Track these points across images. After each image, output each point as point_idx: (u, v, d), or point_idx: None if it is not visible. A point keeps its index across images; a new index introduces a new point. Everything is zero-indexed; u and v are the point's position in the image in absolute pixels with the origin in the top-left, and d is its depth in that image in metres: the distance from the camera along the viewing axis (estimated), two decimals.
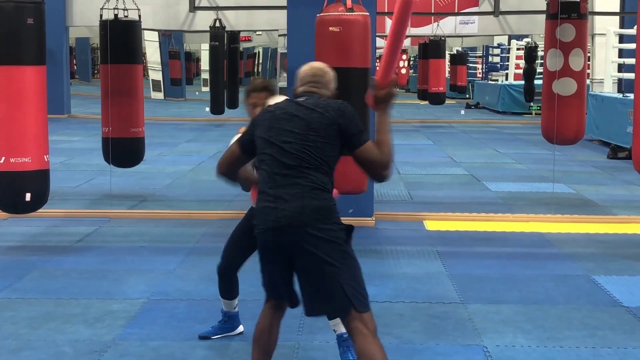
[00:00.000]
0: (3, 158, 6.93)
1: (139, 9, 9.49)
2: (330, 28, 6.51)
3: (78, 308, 5.67)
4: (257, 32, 30.90)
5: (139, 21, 9.68)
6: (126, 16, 9.49)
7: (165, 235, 8.04)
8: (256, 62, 42.93)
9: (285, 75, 14.10)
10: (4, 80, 6.93)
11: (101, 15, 9.44)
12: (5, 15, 6.84)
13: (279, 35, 21.22)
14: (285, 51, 10.92)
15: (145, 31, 23.69)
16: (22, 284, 6.28)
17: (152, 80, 30.71)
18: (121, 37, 9.41)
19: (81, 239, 7.79)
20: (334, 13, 6.54)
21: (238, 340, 5.05)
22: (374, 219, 8.50)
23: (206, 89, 28.30)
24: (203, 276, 6.49)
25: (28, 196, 7.04)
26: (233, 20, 18.89)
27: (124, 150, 9.79)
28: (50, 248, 7.47)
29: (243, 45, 32.76)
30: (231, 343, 5.02)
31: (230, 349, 4.94)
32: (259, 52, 43.60)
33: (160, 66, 30.09)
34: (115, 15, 9.39)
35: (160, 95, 30.03)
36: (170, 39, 29.54)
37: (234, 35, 19.63)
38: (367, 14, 6.64)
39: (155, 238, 7.96)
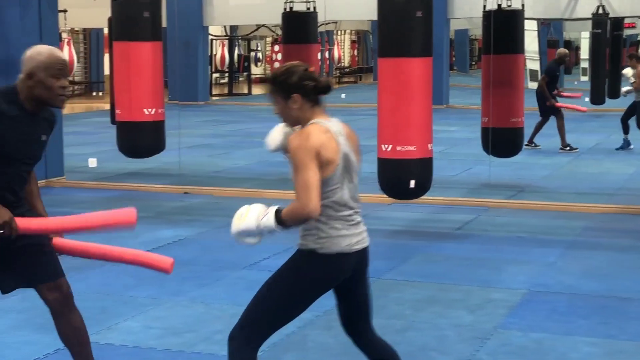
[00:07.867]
0: (390, 146, 7.27)
1: None
2: None
3: (459, 294, 5.78)
4: None
5: (522, 10, 9.62)
6: (509, 6, 9.48)
7: (543, 227, 7.91)
8: None
9: None
10: (393, 72, 7.27)
11: (484, 6, 9.52)
12: (396, 8, 7.17)
13: None
14: None
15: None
16: (406, 267, 6.56)
17: (530, 69, 30.38)
18: (504, 27, 9.42)
19: (460, 227, 7.94)
20: None
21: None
22: None
23: (585, 78, 27.39)
24: (585, 271, 6.31)
25: (412, 183, 7.32)
26: (617, 7, 18.05)
27: (503, 140, 9.83)
28: (431, 234, 7.71)
29: (626, 33, 31.17)
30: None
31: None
32: None
33: (538, 55, 29.67)
34: (499, 5, 9.41)
35: (535, 86, 29.59)
36: (549, 28, 29.03)
37: (618, 22, 18.76)
38: None
39: (533, 229, 7.86)
